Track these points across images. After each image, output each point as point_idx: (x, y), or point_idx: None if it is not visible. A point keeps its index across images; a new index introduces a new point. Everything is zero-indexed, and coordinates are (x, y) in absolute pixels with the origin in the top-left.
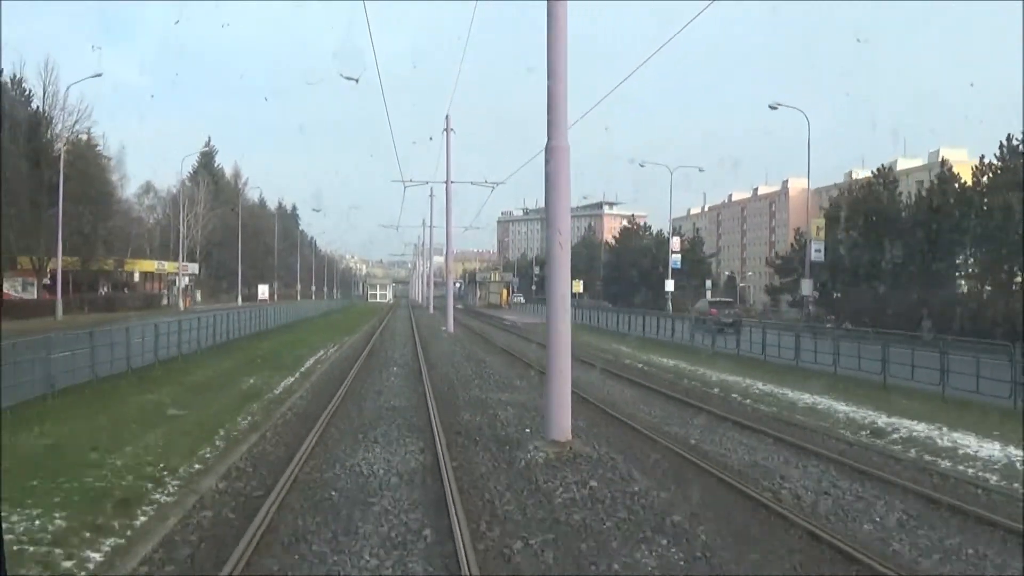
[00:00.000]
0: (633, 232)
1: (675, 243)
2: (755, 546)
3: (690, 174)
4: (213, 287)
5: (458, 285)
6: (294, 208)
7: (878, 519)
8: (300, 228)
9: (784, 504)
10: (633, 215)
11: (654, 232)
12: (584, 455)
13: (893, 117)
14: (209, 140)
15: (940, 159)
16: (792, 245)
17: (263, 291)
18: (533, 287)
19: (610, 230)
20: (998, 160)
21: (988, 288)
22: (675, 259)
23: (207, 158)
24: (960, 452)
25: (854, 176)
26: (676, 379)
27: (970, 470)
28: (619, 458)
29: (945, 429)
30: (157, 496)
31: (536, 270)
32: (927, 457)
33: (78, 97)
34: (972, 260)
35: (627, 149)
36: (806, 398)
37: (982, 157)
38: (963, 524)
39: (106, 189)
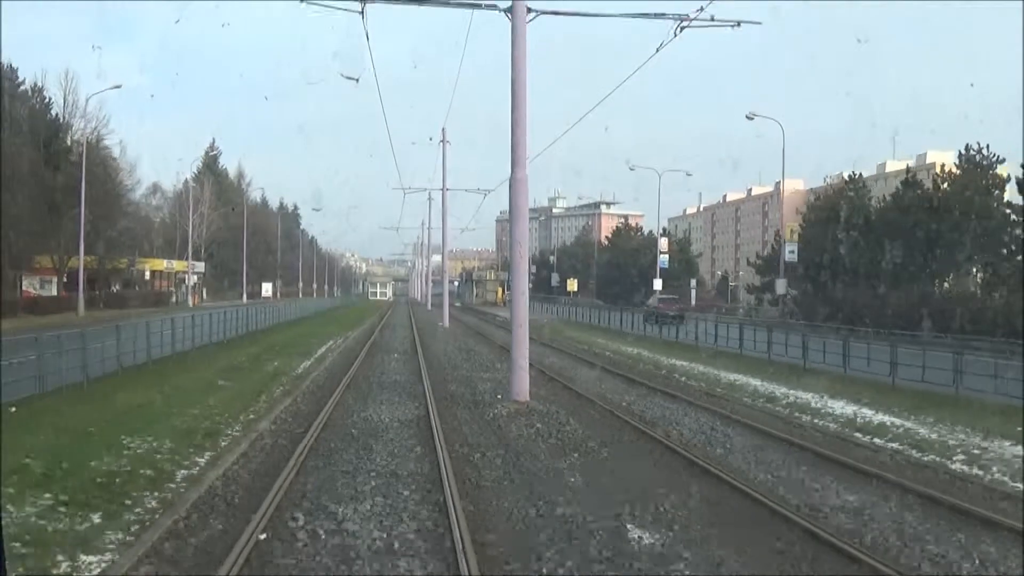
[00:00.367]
0: (626, 232)
1: (663, 244)
2: (638, 459)
3: (692, 173)
4: (216, 285)
5: (456, 283)
6: (295, 207)
7: (730, 448)
8: (301, 227)
9: (669, 439)
10: (628, 216)
11: (646, 232)
12: (536, 410)
13: (893, 117)
14: (213, 142)
15: (927, 162)
16: (772, 246)
17: (267, 289)
18: (530, 286)
19: (607, 229)
20: (957, 168)
21: (944, 287)
22: (663, 259)
23: (211, 159)
24: (823, 411)
25: (845, 177)
26: (633, 363)
27: (819, 422)
28: (562, 412)
29: (826, 397)
30: (229, 432)
31: (533, 269)
32: (796, 414)
33: (96, 105)
34: (926, 261)
35: (627, 148)
36: (732, 376)
37: (943, 165)
38: (788, 449)
39: (119, 192)
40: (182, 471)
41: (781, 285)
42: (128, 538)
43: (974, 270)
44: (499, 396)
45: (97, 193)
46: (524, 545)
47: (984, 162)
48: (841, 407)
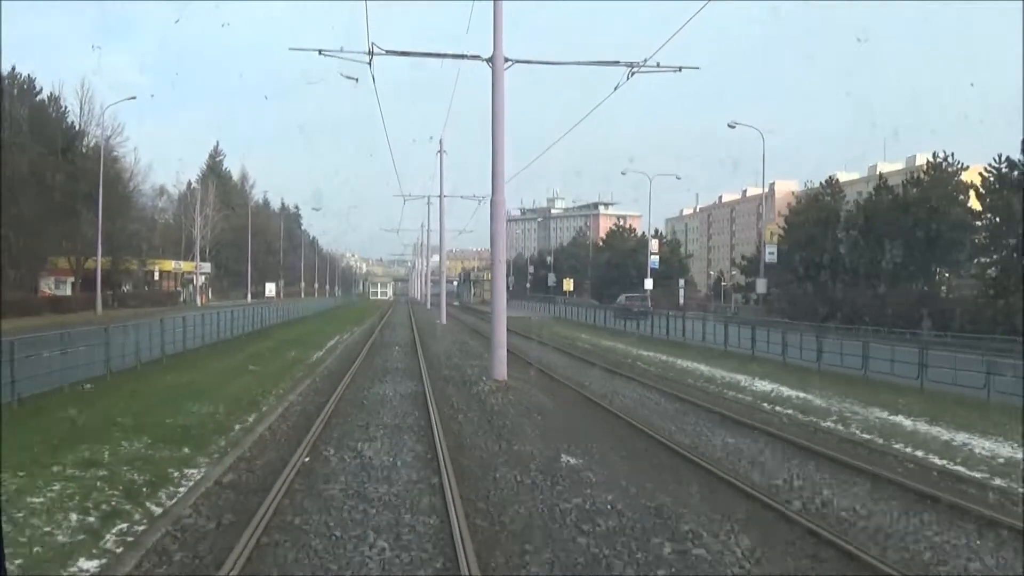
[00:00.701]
0: (620, 234)
1: (653, 245)
2: (583, 419)
3: (691, 173)
4: (217, 286)
5: (455, 283)
6: (296, 208)
7: (657, 412)
8: (303, 228)
9: (612, 406)
10: (625, 216)
11: (639, 234)
12: (512, 387)
13: (893, 117)
14: (217, 145)
15: (917, 164)
16: (758, 247)
17: (270, 289)
18: (528, 285)
19: (605, 230)
20: (924, 175)
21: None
22: (653, 260)
23: (215, 162)
24: (748, 388)
25: (841, 179)
26: (605, 353)
27: (741, 396)
28: (533, 389)
29: (756, 379)
30: (266, 401)
31: (531, 269)
32: (725, 391)
33: (111, 114)
34: (895, 263)
35: (627, 148)
36: (686, 364)
37: (913, 172)
38: (703, 414)
39: (130, 196)
40: (237, 425)
41: (761, 284)
42: (213, 461)
43: (937, 270)
44: (483, 377)
45: (111, 198)
46: (487, 465)
47: (949, 169)
48: (764, 386)
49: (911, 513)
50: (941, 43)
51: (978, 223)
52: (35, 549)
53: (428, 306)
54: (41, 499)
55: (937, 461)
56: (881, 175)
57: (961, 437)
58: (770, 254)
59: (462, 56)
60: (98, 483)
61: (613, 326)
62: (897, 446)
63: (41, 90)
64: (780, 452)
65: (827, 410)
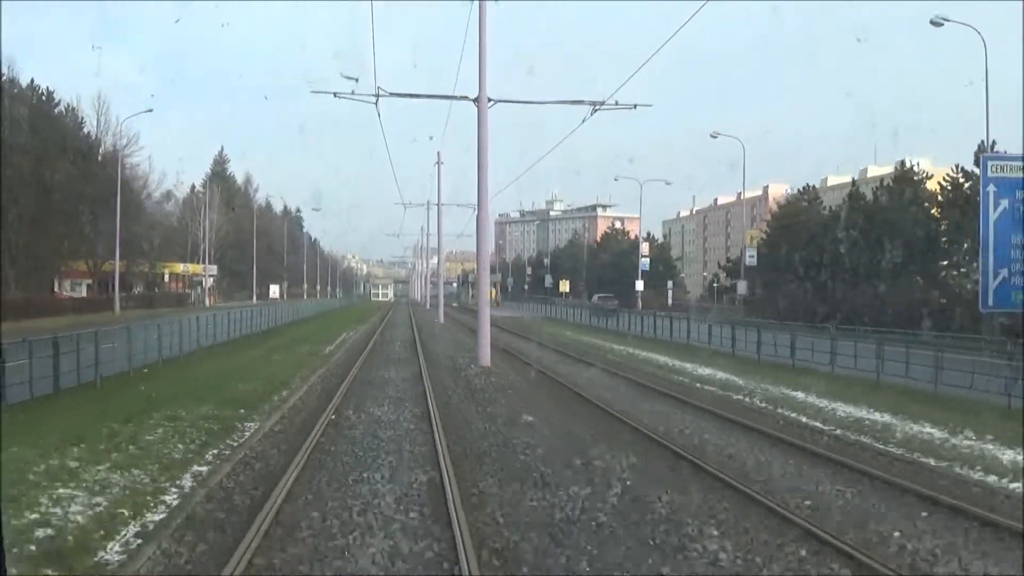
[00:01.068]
0: (614, 237)
1: (644, 248)
2: (546, 394)
3: (692, 173)
4: (222, 287)
5: (454, 284)
6: (298, 210)
7: (606, 388)
8: (305, 230)
9: (570, 382)
10: (623, 218)
11: (632, 236)
12: (495, 372)
13: (893, 117)
14: (222, 150)
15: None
16: (742, 251)
17: (274, 291)
18: (526, 287)
19: (603, 231)
20: (892, 182)
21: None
22: (644, 262)
23: (220, 166)
24: (690, 372)
25: (829, 182)
26: (580, 346)
27: (682, 378)
28: (512, 373)
29: (700, 366)
30: (293, 382)
31: (529, 270)
32: (671, 375)
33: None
34: (858, 267)
35: (627, 148)
36: (648, 355)
37: (882, 179)
38: (645, 391)
39: (141, 202)
40: (275, 396)
41: (741, 286)
42: (263, 417)
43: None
44: (471, 364)
45: (125, 205)
46: (466, 420)
47: (915, 177)
48: (705, 371)
49: (757, 448)
50: (941, 43)
51: (942, 229)
52: (163, 461)
53: (428, 307)
54: (152, 437)
55: (803, 419)
56: (854, 182)
57: (835, 404)
58: (750, 257)
59: (452, 97)
60: (187, 429)
61: (596, 324)
62: (780, 411)
63: (60, 101)
64: (690, 415)
65: (743, 387)
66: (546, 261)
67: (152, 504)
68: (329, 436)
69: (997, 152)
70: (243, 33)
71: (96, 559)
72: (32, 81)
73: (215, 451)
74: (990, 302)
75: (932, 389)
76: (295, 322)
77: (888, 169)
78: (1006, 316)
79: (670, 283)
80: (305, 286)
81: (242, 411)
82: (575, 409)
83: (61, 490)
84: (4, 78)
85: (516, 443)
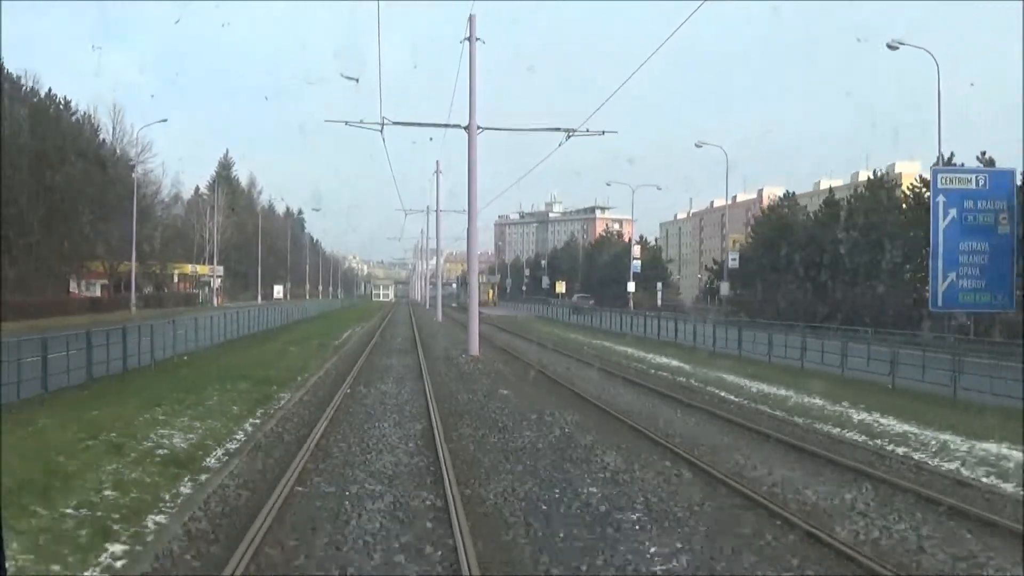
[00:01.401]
0: (608, 239)
1: (636, 251)
2: (524, 377)
3: (689, 173)
4: (227, 288)
5: (454, 285)
6: (300, 212)
7: (576, 374)
8: (307, 232)
9: (544, 368)
10: (621, 220)
11: (627, 238)
12: (482, 360)
13: (892, 117)
14: (227, 153)
15: (896, 172)
16: (726, 254)
17: (278, 291)
18: (524, 287)
19: (599, 233)
20: (865, 189)
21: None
22: (636, 264)
23: (225, 169)
24: (651, 362)
25: (821, 185)
26: (561, 341)
27: (641, 366)
28: (497, 362)
29: (660, 356)
30: (312, 367)
31: (527, 272)
32: (632, 363)
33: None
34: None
35: (627, 147)
36: (620, 348)
37: (856, 187)
38: (609, 376)
39: (154, 206)
40: (298, 377)
41: (724, 287)
42: (292, 392)
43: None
44: (463, 354)
45: (139, 209)
46: (453, 393)
47: (887, 185)
48: (663, 360)
49: (672, 410)
50: (941, 43)
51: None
52: (226, 415)
53: (427, 307)
54: (212, 402)
55: (722, 393)
56: (831, 190)
57: (756, 384)
58: (732, 260)
59: (447, 125)
60: (236, 397)
61: (578, 322)
62: (710, 388)
63: (77, 110)
64: (632, 390)
65: (690, 373)
66: (543, 263)
67: (228, 439)
68: (347, 402)
69: (953, 164)
70: (243, 33)
71: (203, 464)
72: (50, 91)
73: (262, 411)
74: (939, 303)
75: (841, 374)
76: (302, 320)
77: (869, 175)
78: (956, 316)
79: (659, 284)
80: (308, 286)
81: (274, 387)
82: (544, 387)
83: (161, 431)
84: (26, 89)
85: (490, 407)
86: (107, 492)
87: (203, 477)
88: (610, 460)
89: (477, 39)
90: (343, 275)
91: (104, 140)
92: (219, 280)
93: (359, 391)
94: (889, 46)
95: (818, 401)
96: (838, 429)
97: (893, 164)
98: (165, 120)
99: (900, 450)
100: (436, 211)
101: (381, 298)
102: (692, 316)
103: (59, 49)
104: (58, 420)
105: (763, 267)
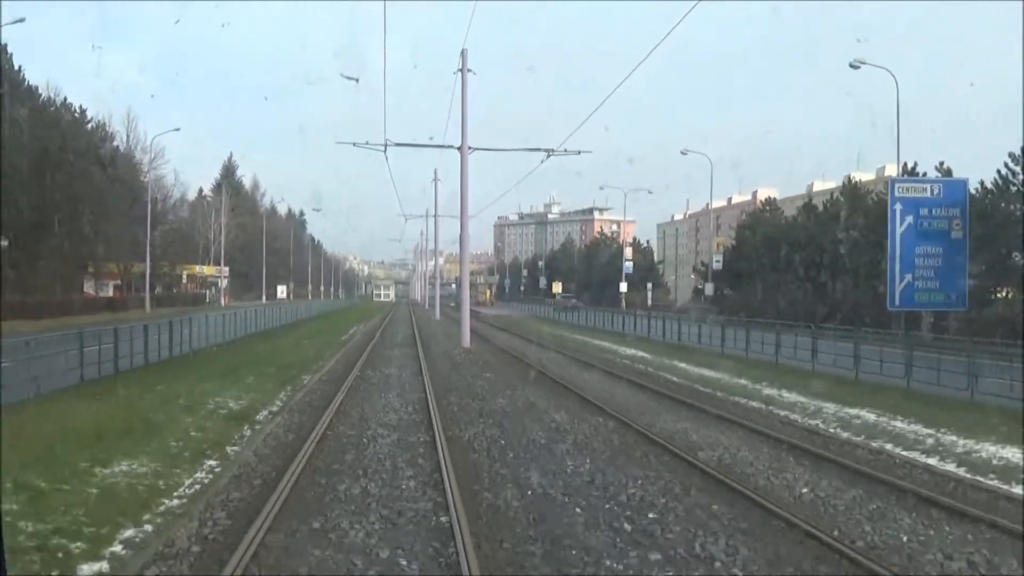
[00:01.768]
0: (602, 241)
1: (628, 253)
2: (508, 366)
3: (689, 172)
4: (231, 288)
5: (453, 285)
6: (301, 213)
7: (552, 363)
8: (308, 233)
9: (527, 359)
10: (619, 222)
11: (621, 240)
12: (472, 351)
13: (892, 117)
14: (231, 156)
15: (886, 174)
16: (710, 256)
17: (281, 291)
18: (522, 288)
19: (596, 235)
20: (840, 195)
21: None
22: (628, 265)
23: (230, 172)
24: (619, 352)
25: (815, 187)
26: (546, 336)
27: (610, 356)
28: (487, 353)
29: (630, 348)
30: (325, 357)
31: (525, 272)
32: (603, 353)
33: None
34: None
35: (627, 147)
36: (595, 341)
37: (832, 192)
38: (581, 364)
39: (166, 209)
40: (314, 365)
41: (709, 288)
42: (312, 374)
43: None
44: (456, 347)
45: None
46: (445, 377)
47: (861, 191)
48: (632, 351)
49: (623, 389)
50: (941, 43)
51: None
52: (264, 389)
53: (427, 306)
54: (249, 380)
55: (671, 377)
56: (810, 196)
57: (700, 369)
58: (716, 262)
59: (440, 146)
60: (267, 378)
61: (563, 319)
62: (661, 372)
63: (92, 120)
64: (599, 374)
65: (651, 361)
66: (540, 264)
67: (269, 404)
68: (358, 382)
69: (911, 175)
70: (243, 33)
71: (255, 419)
72: (66, 99)
73: (290, 387)
74: (896, 302)
75: (773, 362)
76: (308, 319)
77: (870, 175)
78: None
79: (649, 285)
80: (310, 287)
81: (295, 372)
82: (521, 371)
83: (216, 398)
84: (42, 97)
85: (474, 385)
86: (193, 433)
87: (257, 427)
88: (558, 417)
89: (469, 70)
90: (344, 275)
91: (118, 147)
92: (225, 281)
93: (367, 374)
94: (851, 65)
95: (744, 382)
96: (745, 400)
97: (883, 167)
98: (178, 129)
99: (782, 412)
100: (435, 216)
101: (382, 298)
102: (678, 315)
103: (59, 49)
104: (135, 392)
105: (744, 269)
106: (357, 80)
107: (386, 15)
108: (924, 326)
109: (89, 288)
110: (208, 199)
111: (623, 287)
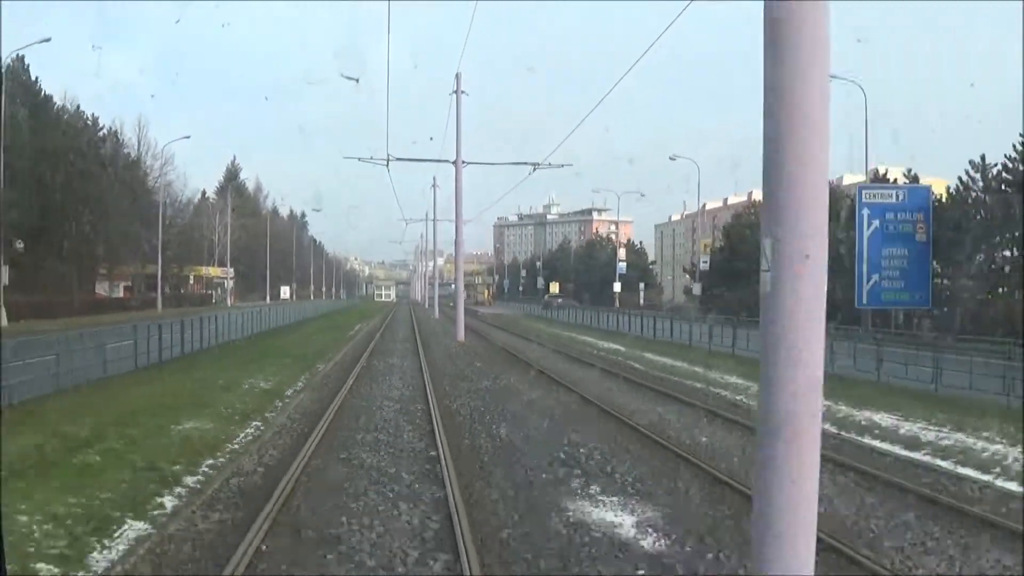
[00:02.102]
0: (598, 242)
1: (621, 254)
2: (498, 358)
3: (688, 172)
4: (236, 289)
5: (452, 285)
6: (303, 214)
7: (539, 353)
8: (310, 234)
9: (515, 351)
10: (618, 222)
11: (616, 241)
12: (466, 345)
13: (892, 117)
14: (235, 159)
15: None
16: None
17: (285, 292)
18: (520, 288)
19: (594, 236)
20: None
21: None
22: (621, 266)
23: (233, 175)
24: (597, 346)
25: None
26: (535, 332)
27: (589, 348)
28: (478, 346)
29: (611, 343)
30: (334, 349)
31: (523, 273)
32: (586, 348)
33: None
34: None
35: (627, 146)
36: (581, 337)
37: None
38: (562, 355)
39: (174, 213)
40: (326, 355)
41: (696, 288)
42: (325, 363)
43: None
44: (451, 341)
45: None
46: (440, 366)
47: (836, 194)
48: (611, 345)
49: (593, 373)
50: (941, 43)
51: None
52: (286, 374)
53: (427, 306)
54: (273, 367)
55: (636, 365)
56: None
57: (664, 358)
58: (704, 263)
59: (436, 160)
60: (286, 366)
61: (553, 317)
62: (629, 361)
63: (104, 126)
64: (576, 363)
65: (626, 353)
66: (538, 264)
67: (293, 384)
68: (365, 369)
69: (875, 183)
70: (243, 33)
71: (284, 394)
72: (79, 107)
73: (308, 373)
74: (864, 301)
75: (737, 354)
76: (312, 318)
77: (860, 177)
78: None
79: (641, 285)
80: (312, 287)
81: (310, 361)
82: (507, 361)
83: (249, 380)
84: (58, 107)
85: (465, 372)
86: (237, 405)
87: (287, 400)
88: (531, 395)
89: (463, 92)
90: (345, 276)
91: (129, 154)
92: (231, 281)
93: (373, 363)
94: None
95: (698, 369)
96: (690, 381)
97: (876, 168)
98: (188, 136)
99: (716, 390)
100: (434, 220)
101: (383, 298)
102: (668, 314)
103: (59, 49)
104: (177, 378)
105: (727, 269)
106: (357, 80)
107: (390, 16)
108: (892, 324)
109: (101, 289)
110: (211, 201)
111: (616, 287)
